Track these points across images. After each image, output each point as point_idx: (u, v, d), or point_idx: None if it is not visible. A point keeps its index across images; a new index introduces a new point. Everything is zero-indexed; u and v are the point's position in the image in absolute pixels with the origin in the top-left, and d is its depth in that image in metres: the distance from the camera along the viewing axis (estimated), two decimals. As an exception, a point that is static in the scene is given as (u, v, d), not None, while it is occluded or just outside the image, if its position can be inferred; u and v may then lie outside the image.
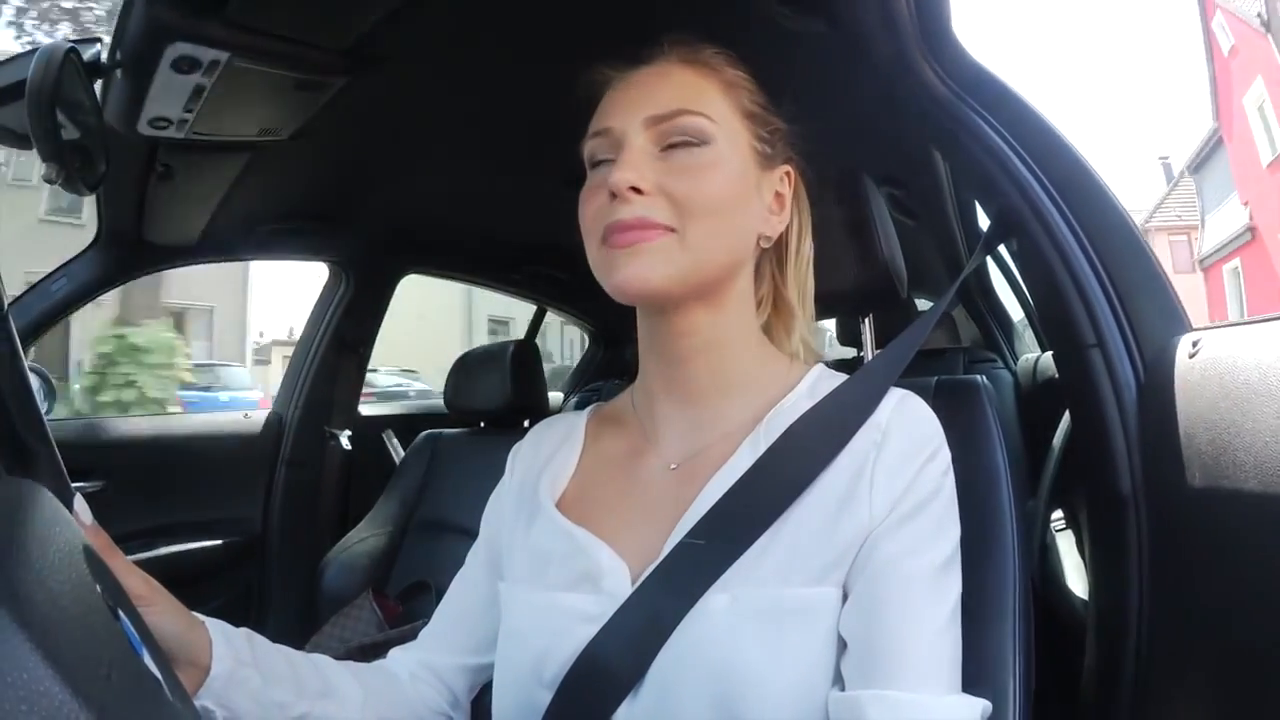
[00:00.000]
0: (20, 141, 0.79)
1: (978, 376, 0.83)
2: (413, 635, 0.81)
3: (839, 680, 0.57)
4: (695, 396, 0.69)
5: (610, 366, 3.01)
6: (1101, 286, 0.82)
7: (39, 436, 0.55)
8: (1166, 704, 0.73)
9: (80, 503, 0.58)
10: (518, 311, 2.95)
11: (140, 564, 0.58)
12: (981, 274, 2.66)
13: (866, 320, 1.19)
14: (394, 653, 0.79)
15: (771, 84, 0.71)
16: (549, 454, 0.76)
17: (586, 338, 3.21)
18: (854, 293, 0.93)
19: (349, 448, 2.09)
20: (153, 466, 1.74)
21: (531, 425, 0.83)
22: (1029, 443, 1.78)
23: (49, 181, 0.75)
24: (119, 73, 0.90)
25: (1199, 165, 16.32)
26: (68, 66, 0.74)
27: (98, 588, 0.39)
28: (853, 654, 0.56)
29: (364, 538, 1.76)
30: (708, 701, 0.56)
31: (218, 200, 1.40)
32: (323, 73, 0.98)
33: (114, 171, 0.95)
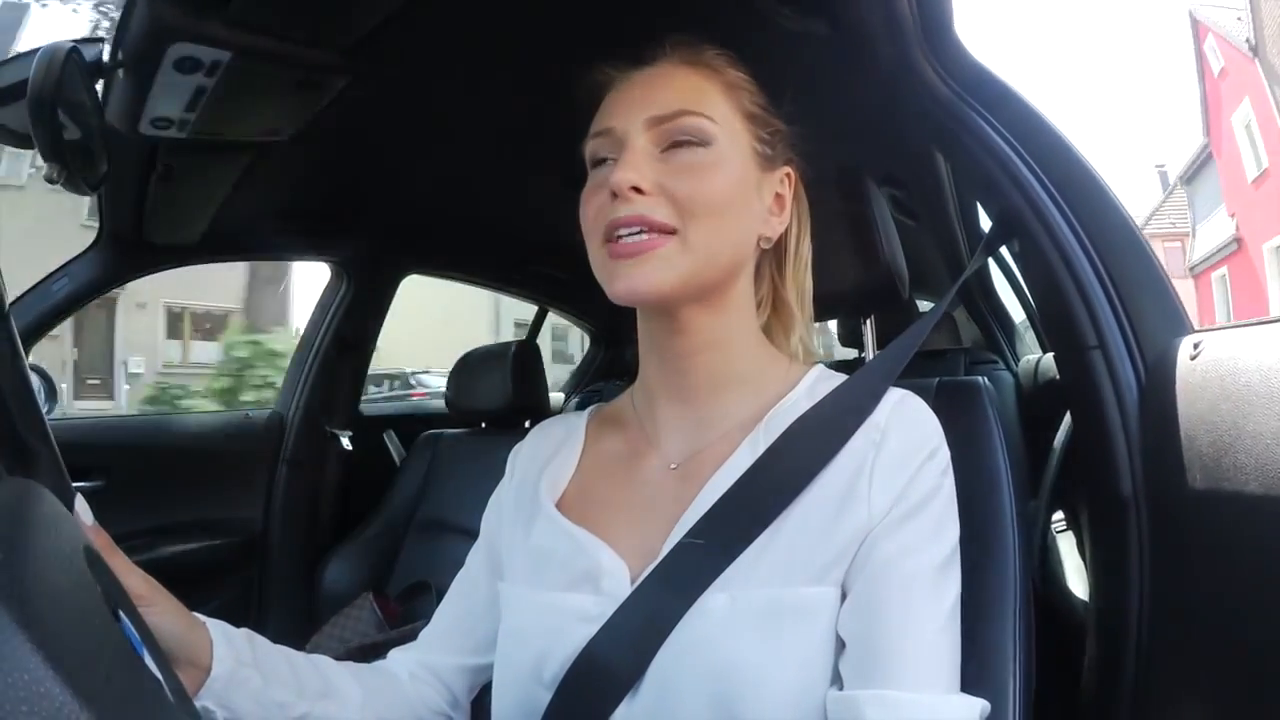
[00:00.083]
0: (22, 141, 0.79)
1: (979, 378, 0.83)
2: (413, 636, 0.81)
3: (837, 680, 0.57)
4: (695, 396, 0.70)
5: (611, 367, 3.01)
6: (1103, 288, 0.82)
7: (40, 436, 0.55)
8: (1167, 705, 0.73)
9: (81, 503, 0.58)
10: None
11: (141, 564, 0.58)
12: (983, 275, 2.66)
13: (868, 321, 1.20)
14: (394, 653, 0.79)
15: (773, 85, 0.71)
16: (549, 454, 0.76)
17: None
18: (855, 293, 0.93)
19: (350, 448, 2.09)
20: (153, 466, 1.74)
21: (532, 426, 0.83)
22: (1030, 444, 1.77)
23: (50, 181, 0.75)
24: (120, 73, 0.90)
25: (1190, 177, 17.24)
26: (69, 66, 0.74)
27: (98, 588, 0.39)
28: (851, 653, 0.56)
29: (364, 538, 1.76)
30: (707, 701, 0.56)
31: (219, 200, 1.40)
32: (324, 73, 0.98)
33: (115, 171, 0.95)
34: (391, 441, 2.28)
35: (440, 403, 1.96)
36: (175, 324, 15.65)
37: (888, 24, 0.81)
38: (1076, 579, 1.27)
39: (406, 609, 1.60)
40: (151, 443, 1.77)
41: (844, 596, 0.58)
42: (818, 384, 0.70)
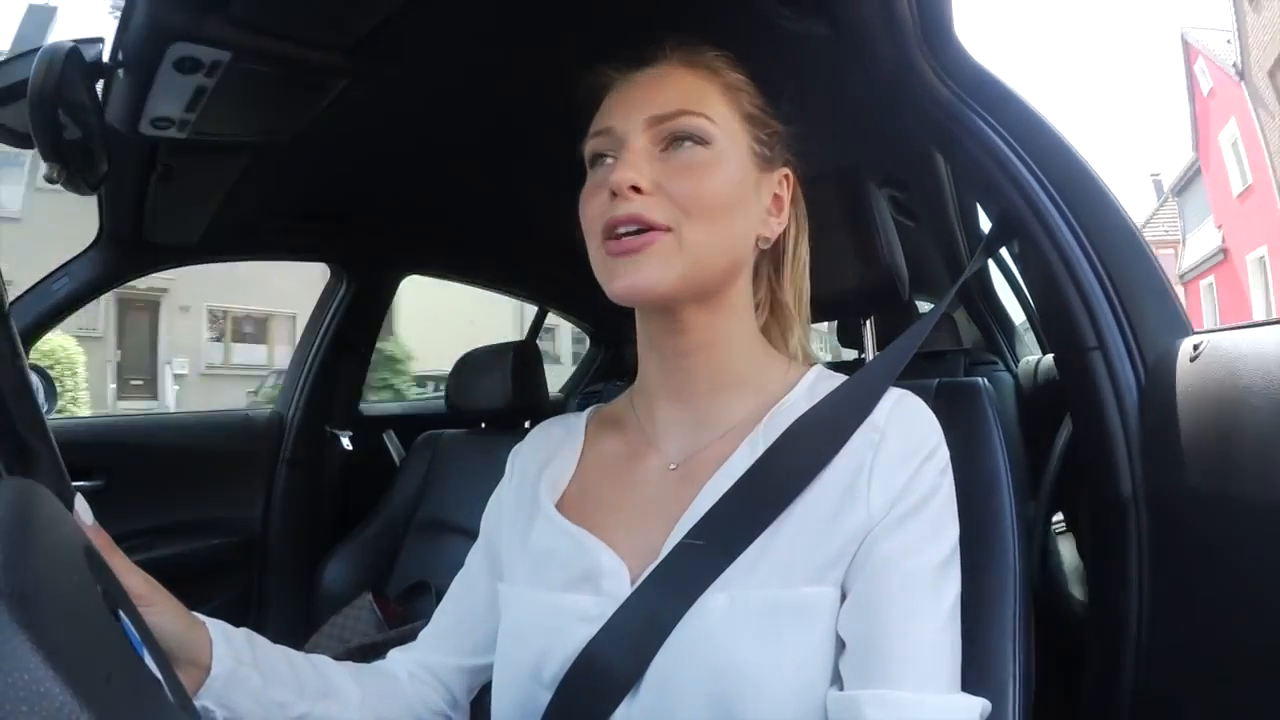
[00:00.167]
0: (22, 141, 0.79)
1: (979, 379, 0.83)
2: (412, 636, 0.81)
3: (837, 680, 0.57)
4: (694, 397, 0.70)
5: (611, 368, 3.01)
6: (1103, 289, 0.82)
7: (40, 436, 0.55)
8: (1167, 706, 0.73)
9: (81, 502, 0.58)
10: (560, 319, 3.01)
11: (140, 563, 0.58)
12: (982, 276, 2.67)
13: (868, 322, 1.19)
14: (393, 653, 0.79)
15: (773, 85, 0.71)
16: (549, 455, 0.76)
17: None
18: (855, 294, 0.93)
19: (349, 448, 2.09)
20: (153, 466, 1.74)
21: (532, 426, 0.83)
22: (1030, 445, 1.77)
23: (50, 181, 0.75)
24: (121, 72, 0.90)
25: (1181, 189, 18.20)
26: (70, 66, 0.74)
27: (98, 588, 0.39)
28: (851, 653, 0.56)
29: (364, 538, 1.76)
30: (706, 701, 0.56)
31: (219, 200, 1.40)
32: (325, 73, 0.98)
33: (115, 171, 0.95)
34: (391, 441, 2.28)
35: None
36: (217, 327, 16.01)
37: (888, 25, 0.81)
38: (1076, 580, 1.27)
39: (406, 609, 1.60)
40: (151, 443, 1.77)
41: (844, 596, 0.58)
42: (817, 384, 0.70)
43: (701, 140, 0.64)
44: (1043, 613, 0.77)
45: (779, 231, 0.72)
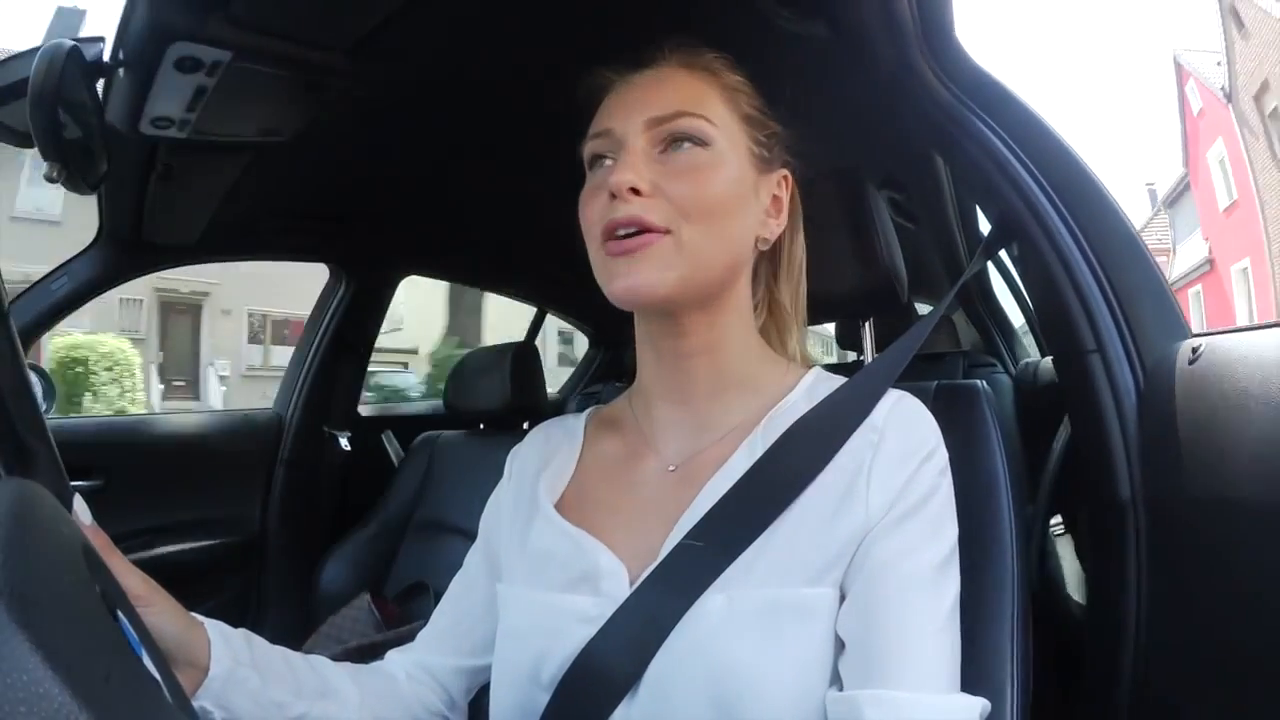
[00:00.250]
0: (22, 140, 0.79)
1: (977, 381, 0.83)
2: (410, 636, 0.81)
3: (837, 680, 0.57)
4: (693, 399, 0.70)
5: (610, 369, 3.01)
6: (1102, 291, 0.82)
7: (38, 436, 0.55)
8: (1165, 707, 0.73)
9: (79, 502, 0.58)
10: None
11: (139, 563, 0.58)
12: (982, 278, 2.67)
13: (867, 324, 1.20)
14: (391, 654, 0.79)
15: (772, 87, 0.71)
16: (548, 456, 0.76)
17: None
18: (854, 296, 0.93)
19: (348, 448, 2.09)
20: (152, 466, 1.74)
21: (531, 427, 0.83)
22: (1028, 447, 1.78)
23: (50, 180, 0.75)
24: (121, 72, 0.90)
25: (1172, 201, 19.41)
26: (70, 65, 0.74)
27: (97, 588, 0.39)
28: (851, 654, 0.56)
29: (362, 538, 1.76)
30: (705, 702, 0.56)
31: (219, 200, 1.40)
32: (325, 73, 0.98)
33: (115, 171, 0.95)
34: (390, 442, 2.28)
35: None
36: (256, 330, 16.39)
37: (888, 26, 0.81)
38: (1075, 582, 1.27)
39: (404, 610, 1.60)
40: (150, 443, 1.77)
41: (843, 597, 0.58)
42: (816, 386, 0.70)
43: (701, 142, 0.64)
44: (1041, 614, 0.77)
45: (778, 233, 0.72)
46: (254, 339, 16.12)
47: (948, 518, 0.62)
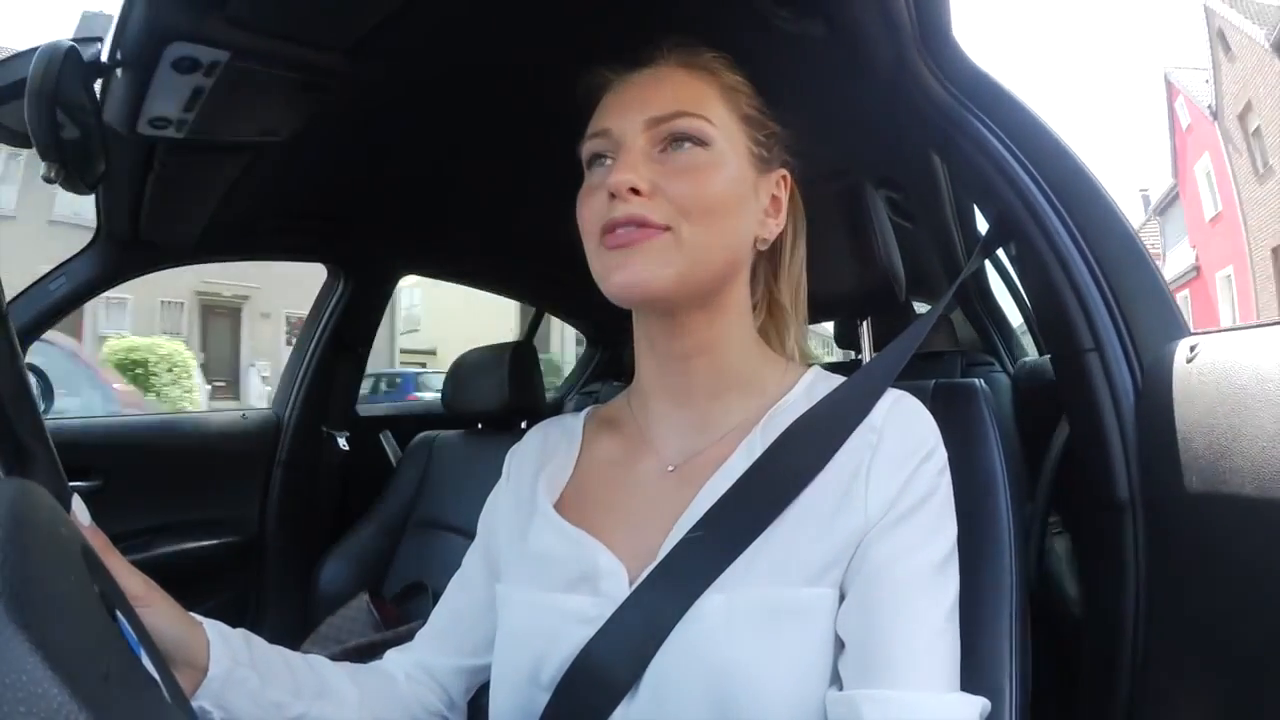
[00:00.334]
0: (20, 140, 0.79)
1: (975, 380, 0.83)
2: (409, 636, 0.81)
3: (836, 680, 0.57)
4: (692, 398, 0.70)
5: (609, 368, 3.01)
6: (1099, 291, 0.82)
7: (37, 436, 0.55)
8: (1163, 707, 0.73)
9: (78, 503, 0.58)
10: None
11: (137, 564, 0.58)
12: (979, 277, 2.67)
13: (864, 323, 1.20)
14: (390, 654, 0.79)
15: (770, 87, 0.71)
16: (546, 456, 0.76)
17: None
18: (852, 295, 0.93)
19: (346, 448, 2.09)
20: (150, 466, 1.73)
21: (529, 427, 0.83)
22: (1026, 446, 1.78)
23: (48, 180, 0.75)
24: (119, 72, 0.90)
25: (1163, 210, 20.60)
26: (68, 65, 0.74)
27: (96, 588, 0.39)
28: (850, 654, 0.56)
29: (361, 538, 1.76)
30: (705, 702, 0.56)
31: (217, 200, 1.39)
32: (323, 73, 0.97)
33: (113, 171, 0.95)
34: (388, 442, 2.28)
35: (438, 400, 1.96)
36: (294, 332, 16.62)
37: (885, 27, 0.81)
38: (1073, 581, 1.27)
39: (403, 610, 1.60)
40: (148, 443, 1.77)
41: (842, 597, 0.58)
42: (815, 385, 0.70)
43: (700, 141, 0.64)
44: (1039, 613, 0.77)
45: (777, 233, 0.72)
46: (291, 341, 16.34)
47: (946, 517, 0.62)
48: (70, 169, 0.75)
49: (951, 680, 0.57)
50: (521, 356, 1.70)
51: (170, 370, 10.54)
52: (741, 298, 0.71)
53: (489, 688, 0.69)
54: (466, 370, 1.76)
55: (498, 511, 0.77)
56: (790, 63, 0.85)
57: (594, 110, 0.69)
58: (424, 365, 15.45)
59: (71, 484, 0.58)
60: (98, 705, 0.26)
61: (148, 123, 1.01)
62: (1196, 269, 18.12)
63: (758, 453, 0.64)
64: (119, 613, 0.42)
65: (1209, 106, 16.45)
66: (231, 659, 0.62)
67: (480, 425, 1.81)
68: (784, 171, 0.72)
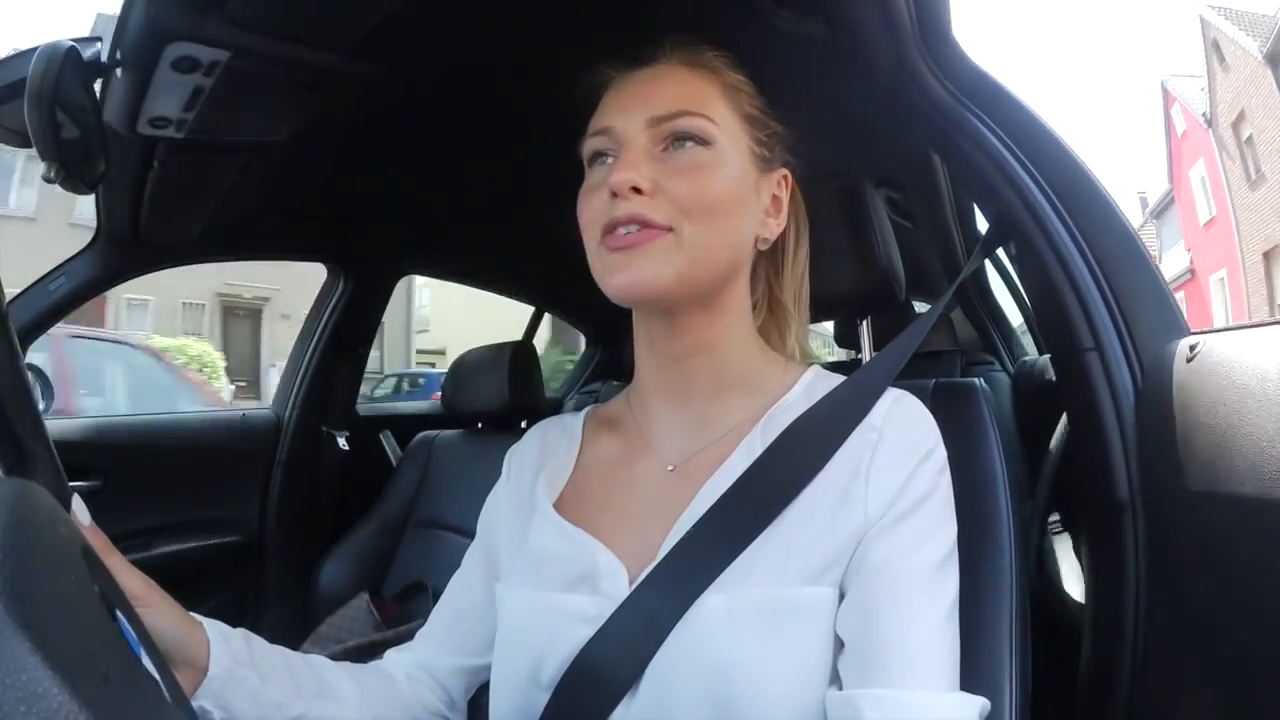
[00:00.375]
0: (20, 140, 0.79)
1: (975, 379, 0.83)
2: (409, 636, 0.81)
3: (836, 680, 0.57)
4: (692, 398, 0.70)
5: (609, 368, 3.01)
6: (1099, 290, 0.82)
7: (37, 436, 0.55)
8: (1163, 706, 0.73)
9: (78, 503, 0.58)
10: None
11: (137, 563, 0.58)
12: (979, 277, 2.67)
13: (864, 322, 1.20)
14: (390, 654, 0.79)
15: (770, 86, 0.71)
16: (546, 455, 0.76)
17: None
18: (852, 295, 0.93)
19: (346, 448, 2.09)
20: (150, 466, 1.73)
21: (529, 426, 0.83)
22: (1026, 445, 1.78)
23: (48, 180, 0.75)
24: (118, 72, 0.90)
25: (1159, 213, 21.43)
26: (67, 65, 0.74)
27: (96, 588, 0.39)
28: (850, 653, 0.56)
29: (361, 538, 1.76)
30: (705, 702, 0.56)
31: (217, 200, 1.39)
32: (323, 73, 0.97)
33: (113, 170, 0.94)
34: (388, 442, 2.28)
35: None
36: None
37: (885, 26, 0.81)
38: (1073, 580, 1.27)
39: (403, 609, 1.60)
40: (148, 443, 1.77)
41: (842, 597, 0.58)
42: (815, 385, 0.70)
43: (702, 141, 0.64)
44: (1039, 613, 0.77)
45: (777, 233, 0.72)
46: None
47: (946, 517, 0.62)
48: (70, 169, 0.75)
49: (951, 680, 0.57)
50: (521, 356, 1.70)
51: (201, 370, 10.69)
52: (741, 297, 0.70)
53: (489, 687, 0.69)
54: (466, 370, 1.76)
55: (497, 511, 0.77)
56: (790, 62, 0.85)
57: (595, 108, 0.69)
58: (433, 365, 15.58)
59: (71, 484, 0.58)
60: (98, 705, 0.26)
61: (148, 122, 1.01)
62: (1191, 271, 18.81)
63: (757, 452, 0.64)
64: (119, 612, 0.42)
65: (1204, 114, 17.22)
66: (232, 659, 0.62)
67: (480, 425, 1.81)
68: (785, 171, 0.72)
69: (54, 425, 1.05)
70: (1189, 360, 0.71)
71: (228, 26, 0.85)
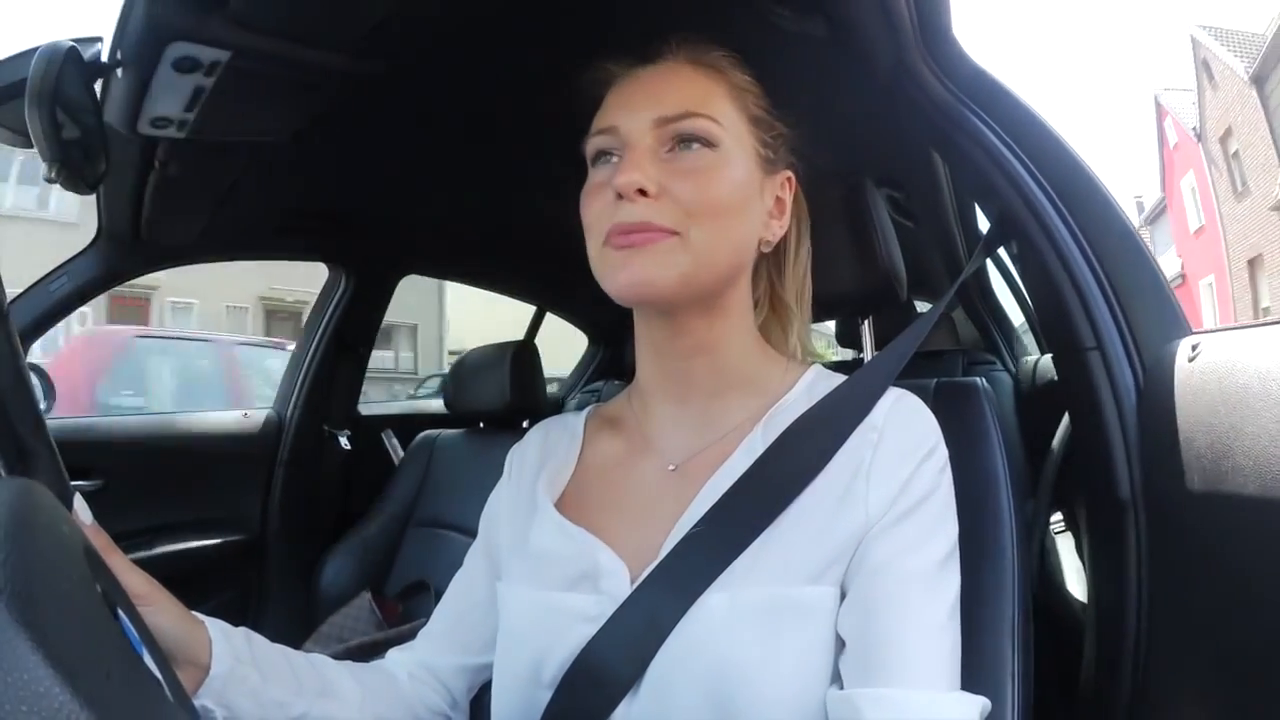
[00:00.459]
0: (21, 140, 0.79)
1: (977, 378, 0.83)
2: (411, 635, 0.81)
3: (837, 679, 0.57)
4: (693, 398, 0.70)
5: (610, 367, 3.01)
6: (1101, 289, 0.82)
7: (39, 436, 0.55)
8: (1165, 706, 0.73)
9: (80, 502, 0.58)
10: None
11: (139, 563, 0.58)
12: (981, 276, 2.67)
13: (866, 322, 1.20)
14: (392, 653, 0.79)
15: (771, 85, 0.71)
16: (548, 454, 0.76)
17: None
18: (854, 295, 0.93)
19: (348, 447, 2.09)
20: (152, 466, 1.74)
21: (530, 426, 0.83)
22: (1028, 445, 1.78)
23: (49, 180, 0.75)
24: (119, 72, 0.90)
25: (1152, 220, 22.50)
26: (68, 65, 0.74)
27: (97, 587, 0.39)
28: (851, 653, 0.56)
29: (363, 537, 1.76)
30: (706, 701, 0.56)
31: (218, 199, 1.39)
32: (323, 73, 0.97)
33: (114, 171, 0.95)
34: (390, 441, 2.28)
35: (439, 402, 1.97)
36: None
37: (886, 25, 0.81)
38: (1075, 580, 1.27)
39: (405, 608, 1.60)
40: (150, 443, 1.77)
41: (843, 596, 0.58)
42: (816, 384, 0.70)
43: (709, 143, 0.63)
44: (1041, 613, 0.77)
45: (780, 234, 0.72)
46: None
47: (948, 516, 0.62)
48: (71, 169, 0.75)
49: (952, 679, 0.57)
50: (523, 356, 1.70)
51: (257, 370, 10.85)
52: (744, 298, 0.70)
53: (491, 686, 0.69)
54: (468, 370, 1.76)
55: (499, 510, 0.77)
56: (790, 62, 0.85)
57: (597, 106, 0.68)
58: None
59: (73, 484, 0.58)
60: (99, 704, 0.26)
61: (149, 122, 1.01)
62: (1182, 276, 19.80)
63: (759, 452, 0.63)
64: (121, 611, 0.42)
65: (1194, 129, 18.35)
66: (233, 657, 0.62)
67: (482, 424, 1.81)
68: (789, 173, 0.72)
69: (55, 425, 1.05)
70: (1191, 360, 0.71)
71: (229, 26, 0.85)
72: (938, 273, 2.48)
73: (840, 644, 0.57)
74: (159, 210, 1.39)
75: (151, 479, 1.72)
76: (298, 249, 1.89)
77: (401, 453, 2.12)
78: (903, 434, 0.63)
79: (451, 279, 2.37)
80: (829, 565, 0.59)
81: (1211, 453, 0.65)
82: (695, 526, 0.61)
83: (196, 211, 1.45)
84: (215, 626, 0.63)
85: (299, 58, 0.93)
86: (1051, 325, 0.89)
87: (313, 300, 2.09)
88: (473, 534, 0.80)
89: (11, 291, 0.81)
